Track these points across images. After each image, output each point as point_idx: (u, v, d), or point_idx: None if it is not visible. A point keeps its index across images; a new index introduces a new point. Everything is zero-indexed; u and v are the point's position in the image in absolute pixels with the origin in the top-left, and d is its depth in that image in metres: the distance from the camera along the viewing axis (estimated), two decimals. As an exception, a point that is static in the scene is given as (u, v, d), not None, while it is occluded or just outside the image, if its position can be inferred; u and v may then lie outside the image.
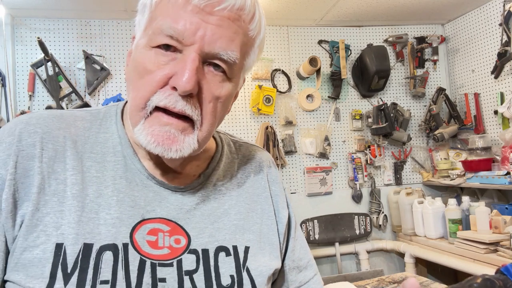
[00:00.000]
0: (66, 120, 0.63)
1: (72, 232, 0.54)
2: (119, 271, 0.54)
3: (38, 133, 0.58)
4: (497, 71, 2.58)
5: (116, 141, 0.63)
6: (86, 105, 2.36)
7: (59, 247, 0.53)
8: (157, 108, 0.55)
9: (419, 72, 3.01)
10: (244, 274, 0.61)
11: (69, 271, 0.52)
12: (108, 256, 0.54)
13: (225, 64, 0.55)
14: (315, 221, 2.73)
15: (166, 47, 0.54)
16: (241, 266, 0.62)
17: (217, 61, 0.55)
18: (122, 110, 0.67)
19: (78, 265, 0.53)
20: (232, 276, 0.60)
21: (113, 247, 0.55)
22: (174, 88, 0.53)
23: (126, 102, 0.68)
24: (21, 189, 0.56)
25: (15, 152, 0.56)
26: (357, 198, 2.87)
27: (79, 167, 0.59)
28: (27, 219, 0.54)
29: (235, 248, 0.63)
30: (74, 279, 0.52)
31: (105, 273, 0.53)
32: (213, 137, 0.74)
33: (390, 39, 2.97)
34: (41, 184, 0.56)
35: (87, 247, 0.54)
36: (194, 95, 0.54)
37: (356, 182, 2.85)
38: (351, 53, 2.93)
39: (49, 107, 2.37)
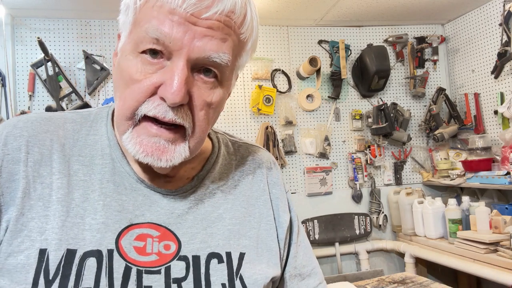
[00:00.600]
0: (54, 123, 0.61)
1: (56, 237, 0.53)
2: (102, 278, 0.52)
3: (24, 136, 0.57)
4: (497, 71, 2.58)
5: (105, 143, 0.61)
6: (86, 105, 2.36)
7: (42, 252, 0.52)
8: (146, 117, 0.53)
9: (419, 72, 3.01)
10: (237, 282, 0.59)
11: (50, 277, 0.51)
12: (91, 262, 0.53)
13: (216, 68, 0.53)
14: (315, 221, 2.73)
15: (153, 53, 0.51)
16: (234, 274, 0.59)
17: (208, 66, 0.52)
18: (113, 111, 0.65)
19: (60, 272, 0.51)
20: (223, 285, 0.58)
21: (97, 254, 0.54)
22: (163, 99, 0.51)
23: None
24: (6, 193, 0.54)
25: (0, 156, 0.55)
26: (357, 198, 2.87)
27: (66, 171, 0.57)
28: (11, 224, 0.53)
29: (228, 254, 0.60)
30: (55, 285, 0.51)
31: (88, 280, 0.52)
32: (210, 137, 0.71)
33: (390, 39, 2.97)
34: (26, 189, 0.55)
35: (70, 253, 0.53)
36: (185, 104, 0.52)
37: (356, 182, 2.85)
38: (351, 53, 2.93)
39: (49, 107, 2.36)
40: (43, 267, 0.51)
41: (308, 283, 0.70)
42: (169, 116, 0.51)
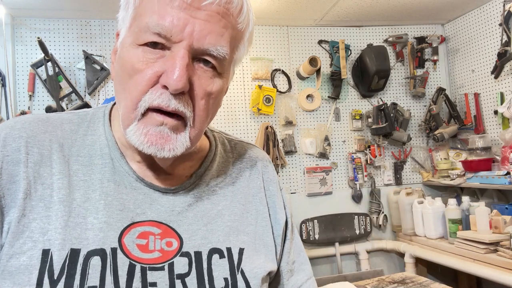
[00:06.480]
0: (52, 123, 0.61)
1: (59, 237, 0.53)
2: (107, 276, 0.53)
3: (23, 137, 0.57)
4: (497, 71, 2.58)
5: (104, 143, 0.62)
6: (86, 105, 2.36)
7: (45, 253, 0.52)
8: (150, 109, 0.53)
9: (419, 72, 3.01)
10: (239, 276, 0.60)
11: (55, 277, 0.51)
12: (95, 261, 0.53)
13: (215, 59, 0.54)
14: (315, 221, 2.73)
15: (154, 44, 0.52)
16: (235, 268, 0.60)
17: (206, 57, 0.54)
18: (110, 111, 0.65)
19: (65, 271, 0.51)
20: (226, 279, 0.59)
21: (101, 252, 0.54)
22: (165, 87, 0.51)
23: (115, 103, 0.66)
24: (7, 195, 0.54)
25: (0, 158, 0.55)
26: (357, 198, 2.87)
27: (66, 171, 0.57)
28: (13, 226, 0.53)
29: (229, 250, 0.61)
30: (60, 285, 0.51)
31: (93, 278, 0.52)
32: (207, 136, 0.72)
33: (390, 39, 2.97)
34: (27, 190, 0.54)
35: (74, 253, 0.53)
36: (186, 92, 0.53)
37: (356, 182, 2.85)
38: (351, 53, 2.93)
39: (49, 107, 2.36)
40: (47, 267, 0.51)
41: (297, 279, 0.72)
42: (172, 104, 0.52)
